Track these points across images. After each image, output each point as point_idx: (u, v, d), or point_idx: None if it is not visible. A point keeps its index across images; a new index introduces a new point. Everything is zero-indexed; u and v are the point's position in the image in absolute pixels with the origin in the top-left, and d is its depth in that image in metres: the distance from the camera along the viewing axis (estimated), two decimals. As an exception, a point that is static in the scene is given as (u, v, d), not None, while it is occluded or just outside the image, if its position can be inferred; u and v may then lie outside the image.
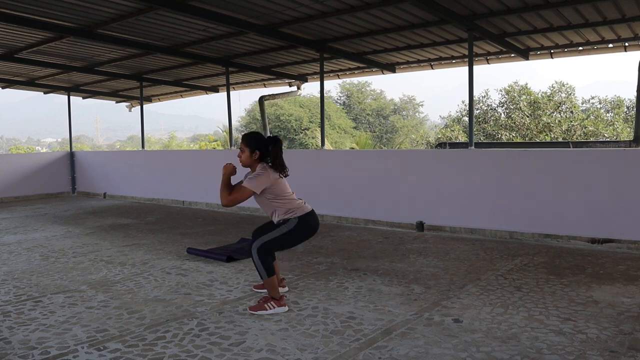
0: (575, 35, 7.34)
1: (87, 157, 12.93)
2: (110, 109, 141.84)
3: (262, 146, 3.71)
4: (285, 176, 3.74)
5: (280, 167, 3.69)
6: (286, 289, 4.11)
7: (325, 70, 9.50)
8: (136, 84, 11.65)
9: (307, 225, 3.73)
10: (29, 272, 4.91)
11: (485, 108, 22.12)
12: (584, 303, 3.71)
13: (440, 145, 14.65)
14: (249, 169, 3.84)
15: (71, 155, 12.75)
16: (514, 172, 6.24)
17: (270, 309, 3.60)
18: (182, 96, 13.61)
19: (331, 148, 20.73)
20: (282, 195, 3.69)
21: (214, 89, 12.39)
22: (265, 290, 4.03)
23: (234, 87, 11.83)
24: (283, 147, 3.81)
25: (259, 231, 3.87)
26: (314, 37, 7.69)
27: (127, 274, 4.78)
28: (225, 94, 10.40)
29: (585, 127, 18.90)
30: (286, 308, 3.66)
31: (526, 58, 8.31)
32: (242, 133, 34.84)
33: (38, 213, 9.22)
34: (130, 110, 14.77)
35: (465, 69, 7.47)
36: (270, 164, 3.71)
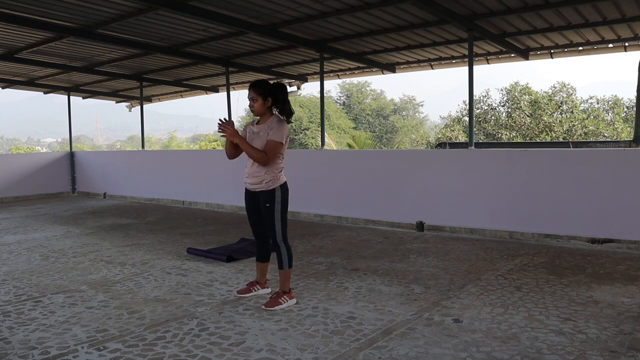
0: (575, 35, 7.34)
1: (87, 157, 12.93)
2: (110, 109, 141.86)
3: (273, 92, 3.78)
4: (289, 122, 3.87)
5: (289, 112, 3.83)
6: (269, 290, 4.11)
7: (325, 70, 9.50)
8: (136, 84, 11.64)
9: (286, 191, 3.82)
10: (29, 272, 4.91)
11: (485, 108, 22.12)
12: (584, 303, 3.71)
13: (440, 145, 14.65)
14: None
15: (71, 155, 12.75)
16: (514, 172, 6.24)
17: (285, 302, 3.74)
18: (182, 96, 13.61)
19: (334, 148, 20.68)
20: (283, 156, 3.80)
21: (214, 89, 12.39)
22: (249, 294, 4.04)
23: (234, 87, 11.82)
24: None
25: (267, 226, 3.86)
26: (314, 37, 7.69)
27: (127, 274, 4.78)
28: (225, 94, 10.42)
29: (586, 127, 18.92)
30: (296, 300, 3.83)
31: (526, 58, 8.31)
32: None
33: (38, 213, 9.23)
34: (130, 110, 14.77)
35: (465, 69, 7.47)
36: (278, 110, 3.81)
